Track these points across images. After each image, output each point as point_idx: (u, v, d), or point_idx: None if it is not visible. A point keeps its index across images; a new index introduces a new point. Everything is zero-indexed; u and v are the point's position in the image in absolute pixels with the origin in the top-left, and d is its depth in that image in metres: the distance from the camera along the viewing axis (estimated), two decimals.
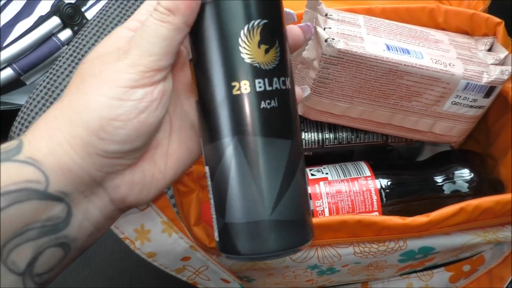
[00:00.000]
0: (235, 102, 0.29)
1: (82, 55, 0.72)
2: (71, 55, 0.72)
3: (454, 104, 0.45)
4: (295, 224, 0.30)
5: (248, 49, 0.29)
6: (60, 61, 0.72)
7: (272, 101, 0.29)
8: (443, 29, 0.50)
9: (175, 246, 0.41)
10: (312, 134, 0.50)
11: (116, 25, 0.74)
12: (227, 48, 0.29)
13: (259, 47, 0.29)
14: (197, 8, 0.30)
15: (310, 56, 0.44)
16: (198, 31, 0.31)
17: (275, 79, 0.29)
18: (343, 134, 0.50)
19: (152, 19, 0.30)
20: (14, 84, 0.76)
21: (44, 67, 0.76)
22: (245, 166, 0.30)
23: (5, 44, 0.74)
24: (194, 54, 0.31)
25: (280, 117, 0.30)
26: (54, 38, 0.76)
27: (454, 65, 0.44)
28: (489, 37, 0.48)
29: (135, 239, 0.40)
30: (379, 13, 0.49)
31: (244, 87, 0.29)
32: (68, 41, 0.77)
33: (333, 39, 0.41)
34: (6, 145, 0.29)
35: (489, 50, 0.48)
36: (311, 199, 0.45)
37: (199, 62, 0.31)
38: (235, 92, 0.29)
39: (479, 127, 0.51)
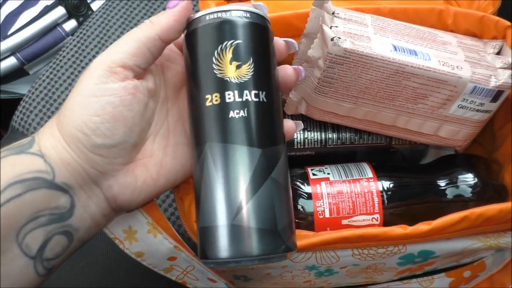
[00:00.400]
0: (207, 112, 0.33)
1: (86, 46, 0.72)
2: (75, 45, 0.73)
3: (460, 107, 0.45)
4: (260, 233, 0.31)
5: (220, 65, 0.33)
6: (64, 51, 0.72)
7: (242, 111, 0.32)
8: (451, 31, 0.49)
9: (160, 246, 0.41)
10: (315, 133, 0.50)
11: (121, 17, 0.74)
12: (203, 65, 0.34)
13: (230, 63, 0.33)
14: (176, 27, 0.34)
15: (315, 54, 0.44)
16: (186, 53, 0.36)
17: (245, 92, 0.33)
18: (346, 135, 0.50)
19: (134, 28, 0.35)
20: (17, 73, 0.76)
21: (47, 57, 0.77)
22: (213, 171, 0.32)
23: (9, 32, 0.74)
24: (185, 73, 0.36)
25: (250, 126, 0.32)
26: (59, 29, 0.76)
27: (461, 68, 0.43)
28: (498, 40, 0.48)
29: (124, 239, 0.41)
30: (387, 13, 0.48)
31: (215, 98, 0.33)
32: (73, 32, 0.77)
33: (339, 38, 0.41)
34: (21, 141, 0.34)
35: (498, 53, 0.47)
36: (311, 198, 0.44)
37: (187, 79, 0.36)
38: (207, 103, 0.33)
39: (485, 131, 0.50)
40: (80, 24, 0.77)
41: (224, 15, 0.34)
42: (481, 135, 0.50)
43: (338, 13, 0.45)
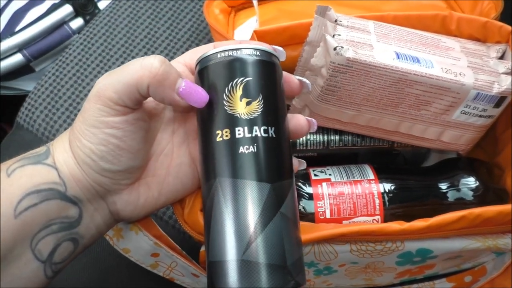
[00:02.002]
0: (218, 148, 0.33)
1: (93, 44, 0.72)
2: (81, 43, 0.73)
3: (463, 113, 0.45)
4: (270, 268, 0.31)
5: (230, 102, 0.33)
6: (70, 49, 0.73)
7: (251, 147, 0.33)
8: (455, 36, 0.49)
9: (142, 243, 0.41)
10: (318, 135, 0.50)
11: (128, 16, 0.75)
12: (214, 101, 0.34)
13: (240, 100, 0.33)
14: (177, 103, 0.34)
15: (318, 63, 0.44)
16: None
17: (255, 127, 0.33)
18: (348, 137, 0.50)
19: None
20: (24, 70, 0.77)
21: (54, 55, 0.77)
22: (222, 206, 0.32)
23: (16, 29, 0.74)
24: (196, 108, 0.36)
25: (259, 161, 0.33)
26: (66, 26, 0.76)
27: (464, 74, 0.43)
28: (501, 44, 0.48)
29: (112, 236, 0.42)
30: (391, 21, 0.48)
31: (225, 134, 0.33)
32: (79, 30, 0.78)
33: (342, 47, 0.41)
34: (36, 150, 0.36)
35: (501, 57, 0.47)
36: (312, 199, 0.45)
37: (197, 114, 0.36)
38: (218, 139, 0.33)
39: (487, 136, 0.50)
40: (87, 22, 0.78)
41: (234, 53, 0.34)
42: (483, 139, 0.50)
43: (340, 21, 0.45)
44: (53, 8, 0.75)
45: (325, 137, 0.50)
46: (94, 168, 0.34)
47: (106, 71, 0.70)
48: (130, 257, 0.43)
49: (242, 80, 0.34)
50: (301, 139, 0.50)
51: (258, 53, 0.35)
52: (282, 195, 0.33)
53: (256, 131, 0.33)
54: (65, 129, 0.65)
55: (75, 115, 0.67)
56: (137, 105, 0.34)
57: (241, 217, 0.31)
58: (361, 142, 0.51)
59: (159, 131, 0.38)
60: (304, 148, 0.51)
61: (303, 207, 0.44)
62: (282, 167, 0.34)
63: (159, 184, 0.38)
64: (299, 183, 0.45)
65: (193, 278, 0.45)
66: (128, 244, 0.42)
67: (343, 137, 0.50)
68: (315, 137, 0.50)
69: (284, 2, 0.61)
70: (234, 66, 0.34)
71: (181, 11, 0.75)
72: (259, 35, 0.48)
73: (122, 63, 0.71)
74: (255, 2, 0.58)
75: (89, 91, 0.68)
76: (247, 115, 0.33)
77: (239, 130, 0.33)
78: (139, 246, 0.42)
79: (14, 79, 0.77)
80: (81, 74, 0.70)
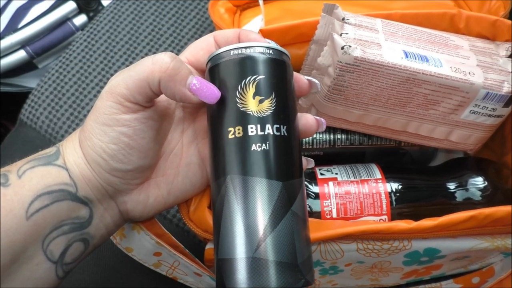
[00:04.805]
0: (230, 145, 0.33)
1: (96, 41, 0.72)
2: (85, 40, 0.73)
3: (472, 113, 0.44)
4: (281, 266, 0.31)
5: (243, 100, 0.33)
6: (73, 46, 0.73)
7: (264, 145, 0.33)
8: (463, 34, 0.49)
9: (144, 242, 0.42)
10: (324, 134, 0.50)
11: (131, 13, 0.74)
12: (227, 98, 0.34)
13: (253, 98, 0.33)
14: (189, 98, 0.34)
15: (325, 62, 0.43)
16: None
17: (267, 125, 0.33)
18: (355, 136, 0.50)
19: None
20: (27, 66, 0.77)
21: (57, 52, 0.77)
22: (234, 203, 0.32)
23: (19, 26, 0.74)
24: (207, 105, 0.36)
25: (271, 159, 0.33)
26: (69, 23, 0.76)
27: (474, 73, 0.43)
28: (510, 42, 0.47)
29: (116, 235, 0.42)
30: (399, 19, 0.48)
31: (237, 132, 0.33)
32: (83, 27, 0.78)
33: (349, 46, 0.41)
34: (46, 151, 0.36)
35: (510, 56, 0.47)
36: (318, 198, 0.44)
37: (208, 110, 0.36)
38: (230, 136, 0.33)
39: (495, 135, 0.50)
40: (90, 19, 0.78)
41: (247, 51, 0.34)
42: (491, 139, 0.50)
43: (348, 19, 0.44)
44: (57, 4, 0.75)
45: (332, 136, 0.50)
46: (105, 167, 0.35)
47: (110, 68, 0.70)
48: (133, 256, 0.43)
49: (255, 78, 0.34)
50: (307, 137, 0.50)
51: (270, 51, 0.35)
52: (293, 194, 0.33)
53: (268, 129, 0.33)
54: (69, 126, 0.66)
55: (79, 112, 0.67)
56: (148, 103, 0.34)
57: (253, 214, 0.31)
58: (368, 141, 0.50)
59: (169, 131, 0.38)
60: (310, 147, 0.50)
61: (309, 206, 0.44)
62: (293, 166, 0.34)
63: (168, 183, 0.38)
64: (305, 182, 0.45)
65: (195, 277, 0.45)
66: (130, 243, 0.42)
67: (349, 136, 0.50)
68: (321, 135, 0.50)
69: (289, 1, 0.61)
70: (246, 64, 0.34)
71: (185, 8, 0.75)
72: (265, 34, 0.48)
73: (126, 60, 0.71)
74: (260, 1, 0.58)
75: (92, 88, 0.68)
76: (260, 113, 0.33)
77: (251, 128, 0.33)
78: (142, 245, 0.42)
79: (17, 76, 0.77)
80: (84, 71, 0.70)
